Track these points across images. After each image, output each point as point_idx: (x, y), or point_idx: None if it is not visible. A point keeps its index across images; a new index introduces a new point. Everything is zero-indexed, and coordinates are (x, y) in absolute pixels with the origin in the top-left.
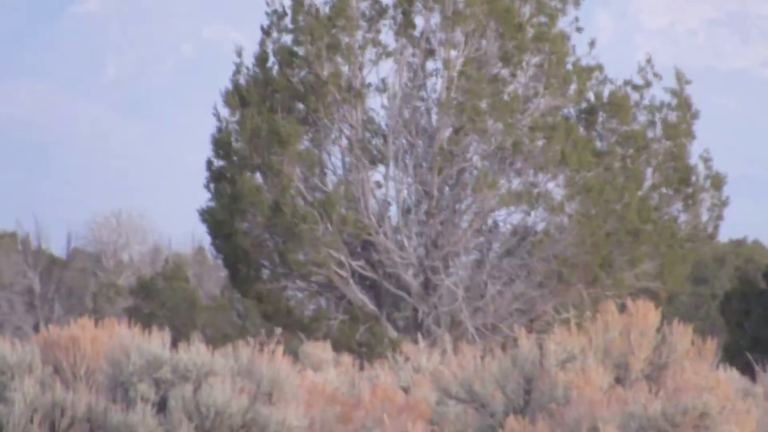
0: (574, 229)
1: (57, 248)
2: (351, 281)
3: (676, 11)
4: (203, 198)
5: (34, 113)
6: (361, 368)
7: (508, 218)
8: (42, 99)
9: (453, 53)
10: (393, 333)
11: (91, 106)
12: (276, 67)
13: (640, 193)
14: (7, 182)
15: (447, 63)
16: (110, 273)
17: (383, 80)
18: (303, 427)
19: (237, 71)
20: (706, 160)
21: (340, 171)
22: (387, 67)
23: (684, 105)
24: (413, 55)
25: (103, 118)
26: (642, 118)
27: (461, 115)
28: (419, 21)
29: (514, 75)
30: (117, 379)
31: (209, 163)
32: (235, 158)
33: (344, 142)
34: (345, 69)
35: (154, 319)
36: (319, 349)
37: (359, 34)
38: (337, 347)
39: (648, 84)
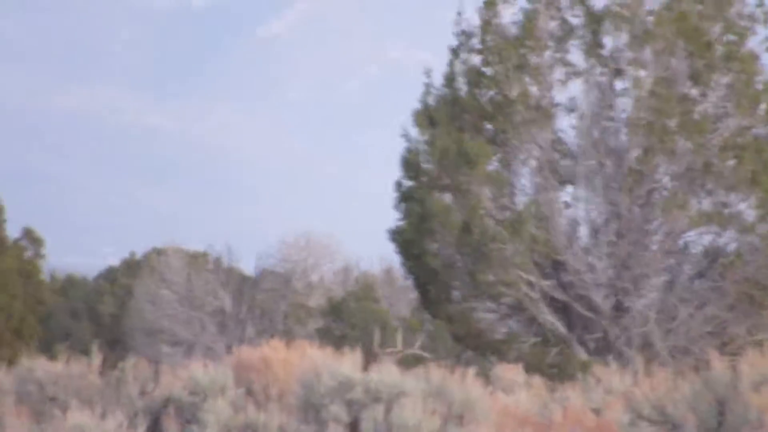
0: (766, 250)
1: (247, 269)
2: (541, 303)
3: None
4: (390, 218)
5: (217, 134)
6: (552, 390)
7: (698, 239)
8: (225, 120)
9: (642, 72)
10: (584, 355)
11: (274, 127)
12: (464, 88)
13: None
14: (197, 203)
15: (636, 82)
16: (300, 294)
17: (572, 100)
18: None
19: (426, 92)
20: None
21: (528, 191)
22: (576, 86)
23: None
24: (602, 74)
25: (288, 141)
26: None
27: (650, 134)
28: (607, 40)
29: (703, 94)
30: (309, 401)
31: (398, 183)
32: (424, 178)
33: (533, 162)
34: (533, 89)
35: (345, 341)
36: (511, 372)
37: (547, 54)
38: (528, 369)
39: None
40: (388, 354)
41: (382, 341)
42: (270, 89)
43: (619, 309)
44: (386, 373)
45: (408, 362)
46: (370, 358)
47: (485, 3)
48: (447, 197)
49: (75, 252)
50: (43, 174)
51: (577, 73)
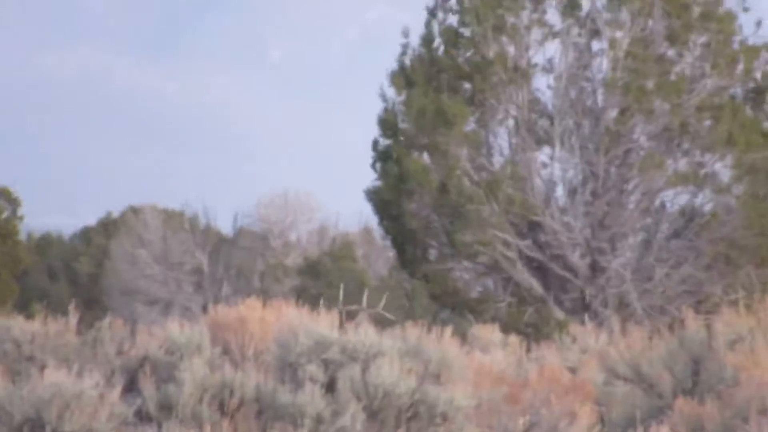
0: (741, 211)
1: (224, 228)
2: (518, 262)
3: None
4: (370, 177)
5: (198, 94)
6: (529, 349)
7: (675, 199)
8: (206, 80)
9: (619, 33)
10: (560, 314)
11: (256, 88)
12: (442, 48)
13: None
14: (174, 162)
15: (613, 43)
16: (277, 253)
17: (549, 61)
18: (470, 407)
19: (403, 52)
20: None
21: (506, 152)
22: (553, 47)
23: None
24: (579, 35)
25: (269, 101)
26: None
27: (627, 95)
28: (585, 1)
29: (680, 55)
30: (285, 360)
31: (375, 143)
32: (401, 138)
33: (510, 122)
34: (511, 49)
35: (321, 300)
36: (487, 331)
37: (525, 15)
38: (505, 329)
39: None
40: (350, 312)
41: (351, 300)
42: (251, 49)
43: (596, 269)
44: (363, 333)
45: (377, 321)
46: (343, 317)
47: None
48: (424, 157)
49: (54, 212)
50: (23, 133)
51: (554, 34)
